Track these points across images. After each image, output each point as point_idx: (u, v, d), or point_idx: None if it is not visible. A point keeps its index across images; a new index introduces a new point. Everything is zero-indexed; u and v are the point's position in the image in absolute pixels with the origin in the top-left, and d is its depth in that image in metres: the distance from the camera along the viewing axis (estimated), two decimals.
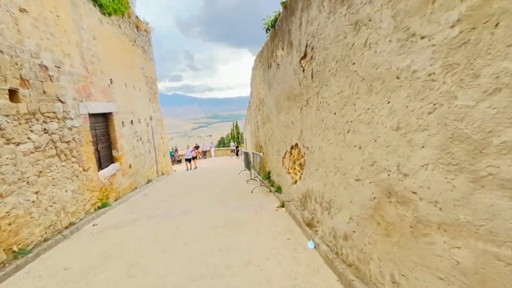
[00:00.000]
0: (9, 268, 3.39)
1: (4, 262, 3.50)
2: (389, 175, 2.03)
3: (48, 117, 4.67)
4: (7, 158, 3.74)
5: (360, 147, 2.44)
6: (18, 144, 3.96)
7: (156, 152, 12.25)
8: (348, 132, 2.66)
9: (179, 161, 24.25)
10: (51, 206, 4.51)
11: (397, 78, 1.85)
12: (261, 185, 7.48)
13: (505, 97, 1.19)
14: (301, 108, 4.32)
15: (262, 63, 7.98)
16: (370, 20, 2.12)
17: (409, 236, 1.84)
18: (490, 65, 1.24)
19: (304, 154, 4.33)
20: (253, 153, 9.28)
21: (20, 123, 4.04)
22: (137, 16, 11.47)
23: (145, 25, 12.71)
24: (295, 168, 5.14)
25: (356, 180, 2.56)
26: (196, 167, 15.64)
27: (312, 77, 3.64)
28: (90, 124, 6.25)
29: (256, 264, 3.09)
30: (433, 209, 1.62)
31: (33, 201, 4.15)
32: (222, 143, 43.58)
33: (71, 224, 5.03)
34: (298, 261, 3.13)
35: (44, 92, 4.65)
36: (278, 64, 5.78)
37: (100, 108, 6.83)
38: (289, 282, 2.73)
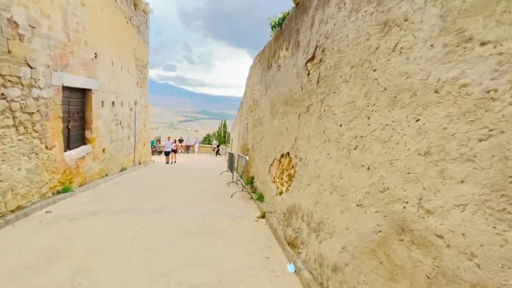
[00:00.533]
0: None
1: None
2: (404, 207, 1.67)
3: (9, 81, 4.01)
4: None
5: (368, 168, 2.08)
6: None
7: (136, 139, 11.50)
8: (355, 149, 2.30)
9: (160, 152, 23.29)
10: None
11: (436, 92, 1.50)
12: (242, 190, 7.04)
13: None
14: (299, 115, 3.95)
15: (261, 62, 7.60)
16: (406, 20, 1.77)
17: None
18: None
19: (296, 165, 3.95)
20: (238, 155, 8.84)
21: None
22: None
23: (144, 5, 12.03)
24: (282, 178, 4.75)
25: (357, 205, 2.19)
26: (175, 161, 14.86)
27: (318, 82, 3.28)
28: (63, 98, 5.58)
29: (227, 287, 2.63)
30: (467, 263, 1.26)
31: None
32: (207, 140, 42.77)
33: (19, 207, 4.34)
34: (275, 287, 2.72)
35: (9, 51, 3.99)
36: (279, 66, 5.41)
37: (77, 82, 6.15)
38: None
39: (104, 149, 7.87)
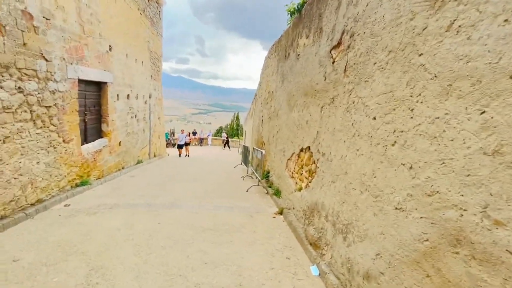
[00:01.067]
0: None
1: None
2: (462, 215, 1.42)
3: (25, 74, 3.97)
4: None
5: (411, 167, 1.83)
6: None
7: (151, 132, 11.56)
8: (393, 145, 2.04)
9: (174, 145, 23.54)
10: (15, 178, 3.84)
11: (511, 77, 1.22)
12: (258, 185, 6.87)
13: None
14: (322, 107, 3.68)
15: (278, 52, 7.29)
16: None
17: None
18: None
19: (317, 160, 3.71)
20: (253, 148, 8.65)
21: None
22: None
23: None
24: (301, 174, 4.53)
25: (396, 208, 1.95)
26: (188, 155, 14.82)
27: (345, 70, 2.99)
28: (78, 91, 5.55)
29: None
30: None
31: None
32: (220, 133, 42.94)
33: (39, 201, 4.37)
34: None
35: (24, 44, 3.93)
36: (299, 55, 5.11)
37: (93, 75, 6.11)
38: None
39: (120, 142, 7.91)
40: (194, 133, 25.10)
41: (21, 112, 3.95)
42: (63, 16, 4.82)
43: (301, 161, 4.61)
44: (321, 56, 3.81)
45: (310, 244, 3.41)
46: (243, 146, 12.99)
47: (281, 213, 4.90)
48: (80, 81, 5.62)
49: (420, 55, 1.82)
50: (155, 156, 12.61)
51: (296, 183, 4.80)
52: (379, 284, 2.06)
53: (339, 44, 3.23)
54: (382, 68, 2.26)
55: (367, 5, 2.57)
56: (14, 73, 3.76)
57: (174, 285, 2.47)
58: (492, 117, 1.30)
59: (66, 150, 5.09)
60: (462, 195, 1.43)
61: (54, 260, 2.77)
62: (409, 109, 1.89)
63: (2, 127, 3.59)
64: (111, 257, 2.89)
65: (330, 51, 3.46)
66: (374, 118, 2.33)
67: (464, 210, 1.41)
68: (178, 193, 5.90)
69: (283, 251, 3.37)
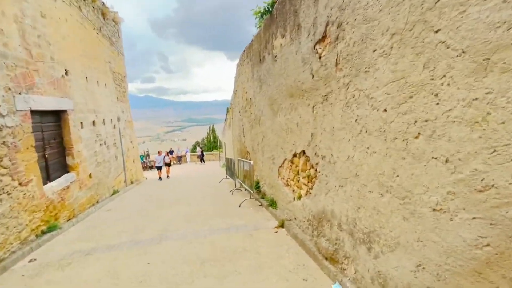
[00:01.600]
0: None
1: None
2: None
3: None
4: None
5: (447, 160, 1.57)
6: None
7: (124, 158, 10.70)
8: (416, 138, 1.78)
9: (151, 167, 22.32)
10: None
11: None
12: (250, 198, 6.46)
13: None
14: (313, 107, 3.42)
15: (250, 58, 7.05)
16: None
17: None
18: None
19: (317, 164, 3.42)
20: (238, 160, 8.25)
21: None
22: (103, 2, 9.98)
23: (113, 14, 11.20)
24: (298, 181, 4.22)
25: (434, 210, 1.67)
26: (168, 176, 13.89)
27: (337, 64, 2.75)
28: (33, 124, 4.82)
29: None
30: None
31: None
32: (196, 148, 41.85)
33: None
34: None
35: None
36: (275, 56, 4.87)
37: (49, 103, 5.39)
38: None
39: (90, 174, 7.10)
40: (171, 152, 24.05)
41: None
42: (2, 40, 4.15)
43: (296, 167, 4.31)
44: (304, 54, 3.57)
45: (326, 258, 3.07)
46: (226, 158, 12.52)
47: (282, 225, 4.53)
48: (34, 112, 4.90)
49: (436, 31, 1.59)
50: (132, 182, 11.70)
51: (294, 191, 4.48)
52: None
53: (324, 37, 3.00)
54: (386, 54, 2.02)
55: None
56: None
57: None
58: None
59: (24, 194, 4.33)
60: None
61: None
62: (433, 94, 1.64)
63: None
64: None
65: (314, 47, 3.23)
66: (385, 110, 2.07)
67: None
68: (166, 220, 5.30)
69: (297, 271, 2.99)
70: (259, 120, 6.56)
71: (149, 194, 9.07)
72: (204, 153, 26.08)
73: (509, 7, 1.22)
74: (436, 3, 1.58)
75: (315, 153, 3.45)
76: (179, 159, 24.64)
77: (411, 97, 1.81)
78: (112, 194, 8.67)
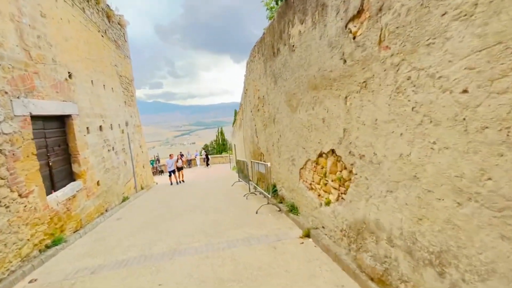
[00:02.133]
0: None
1: None
2: None
3: None
4: None
5: None
6: None
7: (133, 163, 10.40)
8: None
9: (161, 172, 22.14)
10: None
11: None
12: (268, 203, 5.96)
13: None
14: (345, 98, 2.91)
15: (262, 53, 6.58)
16: None
17: None
18: None
19: (352, 165, 2.90)
20: (253, 162, 7.77)
21: None
22: (108, 5, 9.74)
23: (118, 17, 10.99)
24: (325, 184, 3.71)
25: None
26: (183, 181, 13.39)
27: (380, 41, 2.24)
28: (34, 130, 4.50)
29: None
30: None
31: None
32: (206, 151, 41.72)
33: None
34: None
35: None
36: (293, 46, 4.39)
37: (51, 108, 5.06)
38: None
39: (98, 181, 6.77)
40: (181, 156, 23.86)
41: None
42: None
43: (322, 168, 3.80)
44: (331, 37, 3.07)
45: (371, 279, 2.54)
46: (237, 160, 12.07)
47: (308, 235, 4.02)
48: (35, 117, 4.57)
49: None
50: (142, 188, 11.40)
51: (319, 195, 3.97)
52: None
53: (360, 12, 2.49)
54: (466, 15, 1.50)
55: None
56: None
57: None
58: None
59: (25, 206, 3.98)
60: None
61: None
62: None
63: None
64: None
65: (346, 26, 2.72)
66: (465, 91, 1.55)
67: None
68: (179, 232, 4.87)
69: None
70: (274, 119, 6.07)
71: (160, 201, 8.70)
72: (214, 155, 25.77)
73: None
74: None
75: (349, 152, 2.94)
76: (189, 162, 24.41)
77: None
78: (122, 201, 8.34)
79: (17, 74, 4.16)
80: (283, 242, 3.87)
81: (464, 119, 1.57)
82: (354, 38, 2.63)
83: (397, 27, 2.04)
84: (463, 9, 1.52)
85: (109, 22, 9.79)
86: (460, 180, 1.63)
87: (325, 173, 3.70)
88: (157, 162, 22.72)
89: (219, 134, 42.57)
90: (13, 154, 3.86)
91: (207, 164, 23.65)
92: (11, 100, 3.96)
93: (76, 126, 5.95)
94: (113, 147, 8.32)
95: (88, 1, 7.69)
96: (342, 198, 3.24)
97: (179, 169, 13.05)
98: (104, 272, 3.47)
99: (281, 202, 5.90)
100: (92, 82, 7.27)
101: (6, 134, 3.77)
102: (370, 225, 2.62)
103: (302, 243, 3.79)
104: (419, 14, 1.83)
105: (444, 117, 1.70)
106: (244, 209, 6.07)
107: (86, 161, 6.23)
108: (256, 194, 7.60)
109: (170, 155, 13.27)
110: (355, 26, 2.60)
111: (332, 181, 3.49)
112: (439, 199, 1.79)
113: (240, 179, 10.16)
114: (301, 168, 4.61)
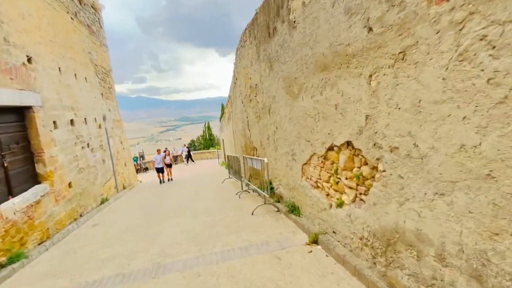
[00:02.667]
0: None
1: None
2: None
3: None
4: None
5: None
6: None
7: (113, 161, 9.52)
8: None
9: (146, 169, 21.06)
10: None
11: None
12: (265, 203, 5.38)
13: None
14: (370, 76, 2.33)
15: (255, 36, 5.91)
16: None
17: None
18: None
19: (378, 160, 2.35)
20: (245, 157, 7.15)
21: None
22: None
23: (92, 0, 9.89)
24: (337, 182, 3.16)
25: None
26: (171, 179, 12.41)
27: None
28: None
29: None
30: None
31: None
32: (192, 146, 40.62)
33: None
34: None
35: None
36: (294, 22, 3.76)
37: (3, 97, 4.20)
38: None
39: (70, 183, 5.94)
40: (168, 152, 22.79)
41: None
42: None
43: (332, 164, 3.24)
44: (349, 1, 2.47)
45: None
46: (227, 156, 11.40)
47: (315, 241, 3.47)
48: None
49: None
50: (124, 188, 10.54)
51: (328, 195, 3.42)
52: None
53: None
54: None
55: None
56: None
57: None
58: None
59: None
60: None
61: None
62: None
63: None
64: None
65: None
66: None
67: None
68: (164, 240, 4.20)
69: None
70: (270, 109, 5.46)
71: (143, 201, 7.93)
72: (201, 151, 24.75)
73: None
74: None
75: (374, 144, 2.37)
76: (175, 158, 23.41)
77: None
78: (100, 204, 7.52)
79: None
80: (288, 251, 3.31)
81: None
82: None
83: None
84: None
85: (80, 4, 8.73)
86: None
87: (337, 169, 3.14)
88: (141, 159, 21.60)
89: (206, 129, 41.54)
90: None
91: (188, 161, 22.19)
92: None
93: (39, 120, 5.08)
94: (88, 144, 7.44)
95: None
96: (361, 199, 2.70)
97: (168, 166, 12.18)
98: None
99: (279, 201, 5.34)
100: (59, 70, 6.33)
101: None
102: (406, 235, 2.08)
103: (311, 251, 3.24)
104: None
105: None
106: (238, 210, 5.46)
107: (54, 160, 5.38)
108: (249, 192, 7.01)
109: (157, 150, 12.33)
110: None
111: (347, 178, 2.94)
112: None
113: (231, 176, 9.52)
114: (304, 164, 4.05)
